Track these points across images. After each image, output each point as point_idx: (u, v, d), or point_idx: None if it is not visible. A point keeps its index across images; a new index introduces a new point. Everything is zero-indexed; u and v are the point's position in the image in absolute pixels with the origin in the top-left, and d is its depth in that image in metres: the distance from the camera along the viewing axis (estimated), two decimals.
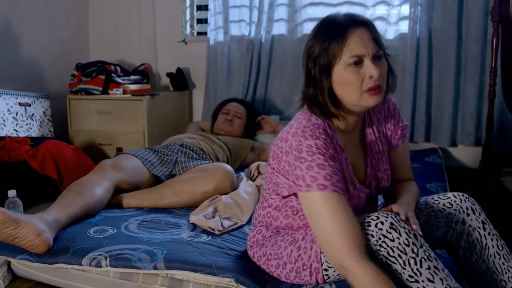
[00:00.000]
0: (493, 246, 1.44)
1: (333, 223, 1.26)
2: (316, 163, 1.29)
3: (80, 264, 1.67)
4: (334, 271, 1.37)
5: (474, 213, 1.48)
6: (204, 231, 1.89)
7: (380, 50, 1.34)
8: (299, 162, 1.31)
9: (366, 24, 1.34)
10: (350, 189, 1.42)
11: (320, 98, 1.36)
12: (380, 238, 1.26)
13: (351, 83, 1.32)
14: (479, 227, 1.46)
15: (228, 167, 2.34)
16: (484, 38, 3.03)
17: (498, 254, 1.44)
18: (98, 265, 1.65)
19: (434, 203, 1.52)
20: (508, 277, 1.41)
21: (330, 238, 1.27)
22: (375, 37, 1.34)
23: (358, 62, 1.31)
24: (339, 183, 1.30)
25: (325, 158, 1.30)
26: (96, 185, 2.09)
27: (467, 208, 1.49)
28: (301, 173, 1.31)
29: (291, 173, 1.36)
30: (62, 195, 2.00)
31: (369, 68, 1.31)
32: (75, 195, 1.99)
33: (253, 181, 2.42)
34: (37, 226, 1.70)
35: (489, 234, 1.46)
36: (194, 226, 1.96)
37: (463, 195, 1.52)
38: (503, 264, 1.43)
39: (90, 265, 1.65)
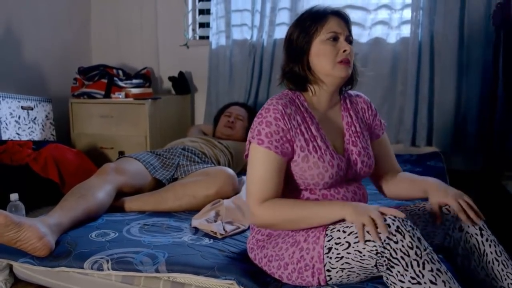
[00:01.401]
0: (491, 253, 1.44)
1: (256, 175, 1.48)
2: (267, 120, 1.49)
3: (82, 268, 1.67)
4: (336, 272, 1.37)
5: None
6: (206, 235, 1.89)
7: (351, 37, 1.57)
8: (257, 118, 1.52)
9: (342, 16, 1.57)
10: (322, 147, 1.52)
11: (299, 69, 1.56)
12: (385, 240, 1.26)
13: (327, 54, 1.52)
14: (476, 234, 1.46)
15: (230, 170, 2.34)
16: (486, 41, 3.03)
17: (497, 260, 1.43)
18: (100, 268, 1.65)
19: (431, 209, 1.52)
20: (508, 284, 1.40)
21: (251, 186, 1.48)
22: (349, 28, 1.57)
23: (334, 38, 1.53)
24: (277, 142, 1.47)
25: (276, 117, 1.48)
26: (99, 189, 2.09)
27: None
28: (255, 126, 1.51)
29: (250, 129, 1.54)
30: (64, 198, 2.01)
31: (343, 44, 1.53)
32: (78, 199, 1.99)
33: None
34: (39, 230, 1.70)
35: (487, 240, 1.45)
36: (196, 230, 1.96)
37: None
38: (502, 270, 1.42)
39: (92, 268, 1.66)
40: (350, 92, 1.71)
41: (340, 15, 1.56)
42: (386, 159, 1.72)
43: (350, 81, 1.62)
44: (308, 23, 1.54)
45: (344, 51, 1.51)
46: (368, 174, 1.65)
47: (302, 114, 1.54)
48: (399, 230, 1.27)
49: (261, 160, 1.47)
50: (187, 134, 3.34)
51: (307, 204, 1.46)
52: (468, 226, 1.47)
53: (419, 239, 1.27)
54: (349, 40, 1.55)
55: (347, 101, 1.68)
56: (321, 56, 1.52)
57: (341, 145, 1.61)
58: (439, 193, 1.49)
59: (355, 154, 1.59)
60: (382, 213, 1.32)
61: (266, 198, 1.45)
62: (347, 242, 1.34)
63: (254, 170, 1.49)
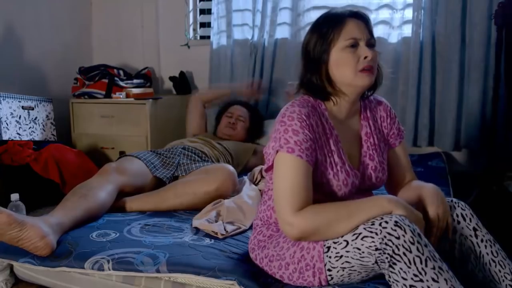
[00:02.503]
0: (487, 254, 1.43)
1: (288, 183, 1.38)
2: (292, 128, 1.41)
3: (83, 268, 1.66)
4: (337, 272, 1.37)
5: (464, 219, 1.47)
6: (207, 235, 1.89)
7: (373, 39, 1.47)
8: (279, 125, 1.44)
9: (362, 17, 1.48)
10: (339, 163, 1.48)
11: (317, 80, 1.49)
12: (385, 237, 1.26)
13: (347, 63, 1.44)
14: (470, 235, 1.46)
15: (230, 167, 2.34)
16: (487, 42, 3.02)
17: (494, 261, 1.42)
18: (101, 268, 1.64)
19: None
20: (506, 285, 1.40)
21: (282, 196, 1.38)
22: (369, 29, 1.48)
23: (354, 45, 1.44)
24: (307, 150, 1.40)
25: (302, 125, 1.41)
26: (100, 189, 2.09)
27: (457, 215, 1.49)
28: (278, 135, 1.42)
29: (273, 137, 1.46)
30: (66, 198, 2.00)
31: (364, 50, 1.44)
32: (79, 199, 1.99)
33: (256, 185, 2.41)
34: (41, 229, 1.70)
35: (481, 241, 1.45)
36: (197, 230, 1.95)
37: (451, 201, 1.52)
38: (500, 271, 1.42)
39: (92, 268, 1.65)
40: (371, 98, 1.65)
41: (358, 17, 1.47)
42: (399, 171, 1.66)
43: (373, 85, 1.54)
44: (325, 30, 1.46)
45: (365, 57, 1.43)
46: (379, 187, 1.63)
47: (322, 126, 1.49)
48: (399, 224, 1.26)
49: (292, 168, 1.39)
50: (188, 109, 3.31)
51: (347, 202, 1.40)
52: (462, 228, 1.47)
53: (419, 234, 1.27)
54: (371, 43, 1.46)
55: (367, 109, 1.62)
56: (341, 66, 1.45)
57: (357, 156, 1.57)
58: (427, 198, 1.47)
59: (370, 169, 1.56)
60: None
61: (301, 207, 1.36)
62: (345, 240, 1.34)
63: (285, 179, 1.40)
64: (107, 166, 2.30)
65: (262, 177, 2.50)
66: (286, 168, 1.40)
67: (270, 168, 1.50)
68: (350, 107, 1.55)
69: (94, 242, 1.79)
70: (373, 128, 1.60)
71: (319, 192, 1.45)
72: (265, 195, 1.63)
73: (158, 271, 1.60)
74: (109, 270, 1.64)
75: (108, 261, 1.65)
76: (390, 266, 1.26)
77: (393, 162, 1.65)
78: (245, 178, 2.49)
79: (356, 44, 1.44)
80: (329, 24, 1.46)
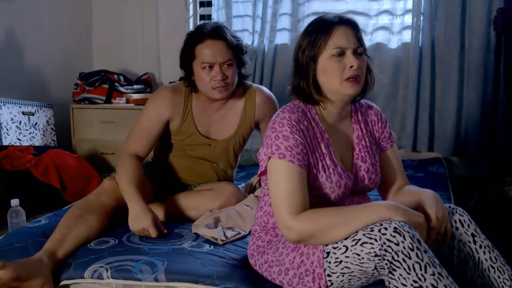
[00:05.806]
0: (486, 260, 1.43)
1: (283, 188, 1.41)
2: (283, 134, 1.44)
3: (83, 277, 1.65)
4: (337, 277, 1.37)
5: (462, 225, 1.48)
6: (207, 241, 1.88)
7: (360, 47, 1.48)
8: (270, 132, 1.47)
9: (350, 23, 1.49)
10: (331, 166, 1.50)
11: (304, 85, 1.51)
12: (384, 243, 1.26)
13: (333, 71, 1.45)
14: (469, 241, 1.46)
15: (235, 187, 2.28)
16: (487, 47, 3.03)
17: (493, 267, 1.43)
18: (100, 277, 1.63)
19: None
20: None
21: (278, 201, 1.41)
22: (358, 36, 1.49)
23: (340, 54, 1.45)
24: (298, 155, 1.43)
25: (292, 131, 1.44)
26: (97, 213, 1.94)
27: (455, 222, 1.49)
28: (270, 142, 1.45)
29: (265, 144, 1.49)
30: (69, 225, 1.85)
31: (350, 59, 1.45)
32: (80, 226, 1.85)
33: (252, 192, 2.39)
34: (42, 279, 1.62)
35: (480, 247, 1.45)
36: (196, 236, 1.94)
37: (449, 207, 1.52)
38: (499, 277, 1.42)
39: (92, 277, 1.64)
40: (362, 102, 1.67)
41: (347, 24, 1.48)
42: (391, 174, 1.68)
43: (362, 90, 1.55)
44: (313, 37, 1.48)
45: (351, 66, 1.45)
46: (373, 189, 1.64)
47: (312, 130, 1.51)
48: (398, 231, 1.26)
49: (285, 174, 1.42)
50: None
51: (346, 207, 1.44)
52: (461, 234, 1.47)
53: (418, 240, 1.27)
54: (359, 52, 1.47)
55: (358, 112, 1.64)
56: (328, 74, 1.47)
57: (350, 159, 1.59)
58: (427, 202, 1.48)
59: (363, 171, 1.58)
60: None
61: (299, 210, 1.39)
62: (344, 246, 1.34)
63: (279, 184, 1.42)
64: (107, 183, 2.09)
65: (260, 186, 2.46)
66: (279, 174, 1.43)
67: (263, 173, 1.52)
68: (339, 111, 1.56)
69: (92, 251, 1.77)
70: (364, 131, 1.62)
71: (313, 195, 1.47)
72: (261, 201, 1.64)
73: (156, 279, 1.59)
74: (109, 278, 1.63)
75: (107, 269, 1.64)
76: (389, 272, 1.27)
77: (384, 165, 1.67)
78: (242, 185, 2.47)
79: (343, 53, 1.45)
80: (318, 32, 1.47)
